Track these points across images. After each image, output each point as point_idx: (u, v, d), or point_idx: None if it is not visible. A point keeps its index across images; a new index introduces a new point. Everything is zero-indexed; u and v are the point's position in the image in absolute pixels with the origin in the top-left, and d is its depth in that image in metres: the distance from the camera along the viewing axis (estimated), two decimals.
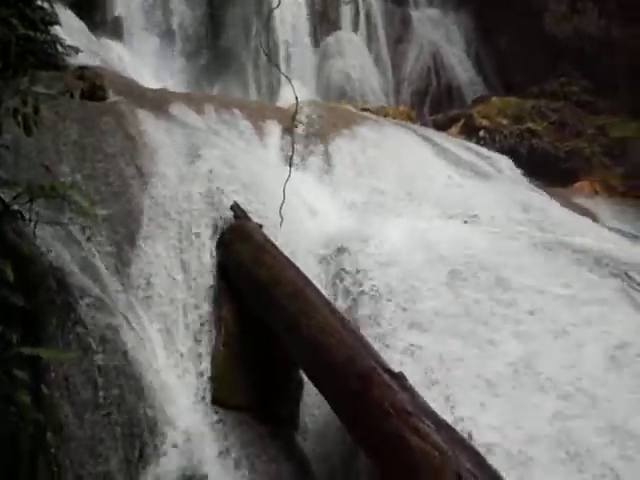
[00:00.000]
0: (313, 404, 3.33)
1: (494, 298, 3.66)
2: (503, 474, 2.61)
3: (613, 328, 3.50)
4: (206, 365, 3.38)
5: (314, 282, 3.53)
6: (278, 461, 3.06)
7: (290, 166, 4.20)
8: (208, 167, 4.41)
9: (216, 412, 3.20)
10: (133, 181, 4.18)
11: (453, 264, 3.92)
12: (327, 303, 3.36)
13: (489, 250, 4.07)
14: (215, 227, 3.97)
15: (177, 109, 5.43)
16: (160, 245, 3.87)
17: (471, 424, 3.02)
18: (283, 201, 3.89)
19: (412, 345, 3.42)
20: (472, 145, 7.46)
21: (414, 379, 3.05)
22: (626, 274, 4.00)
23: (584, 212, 6.56)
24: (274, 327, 3.41)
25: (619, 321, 3.62)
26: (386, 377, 2.88)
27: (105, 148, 4.28)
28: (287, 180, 3.95)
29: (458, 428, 2.80)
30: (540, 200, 5.94)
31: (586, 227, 5.48)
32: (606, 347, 3.39)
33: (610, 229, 5.66)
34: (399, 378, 2.90)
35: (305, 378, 3.32)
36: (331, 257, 4.08)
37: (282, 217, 3.88)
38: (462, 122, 8.66)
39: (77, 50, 5.99)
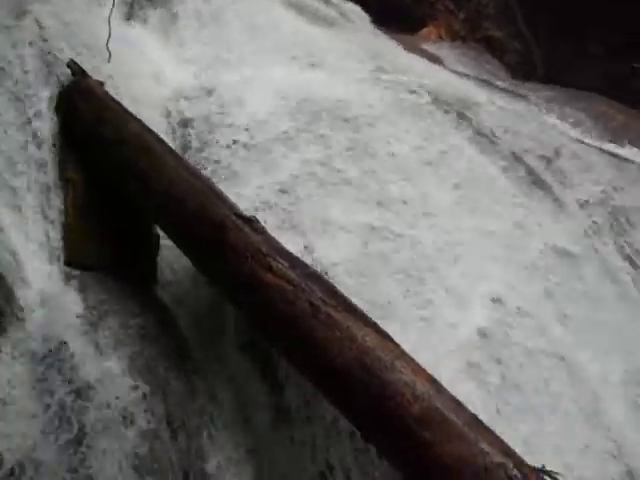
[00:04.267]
0: (171, 257, 3.38)
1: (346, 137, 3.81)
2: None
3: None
4: (57, 227, 3.31)
5: (161, 137, 3.49)
6: (139, 315, 3.11)
7: None
8: (39, 23, 4.11)
9: (71, 273, 3.17)
10: None
11: (302, 108, 3.97)
12: (176, 156, 3.34)
13: (339, 92, 4.15)
14: (53, 87, 3.76)
15: None
16: None
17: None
18: (109, 36, 3.80)
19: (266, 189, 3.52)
20: None
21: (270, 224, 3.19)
22: (463, 113, 4.26)
23: (430, 57, 6.73)
24: (125, 184, 3.38)
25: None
26: (239, 222, 2.97)
27: None
28: (112, 10, 3.85)
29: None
30: (387, 47, 6.02)
31: (431, 71, 5.65)
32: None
33: (452, 72, 5.87)
34: (252, 222, 2.99)
35: (161, 232, 3.35)
36: (177, 111, 4.00)
37: (109, 51, 3.82)
38: None
39: None
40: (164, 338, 3.09)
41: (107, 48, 3.95)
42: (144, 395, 2.78)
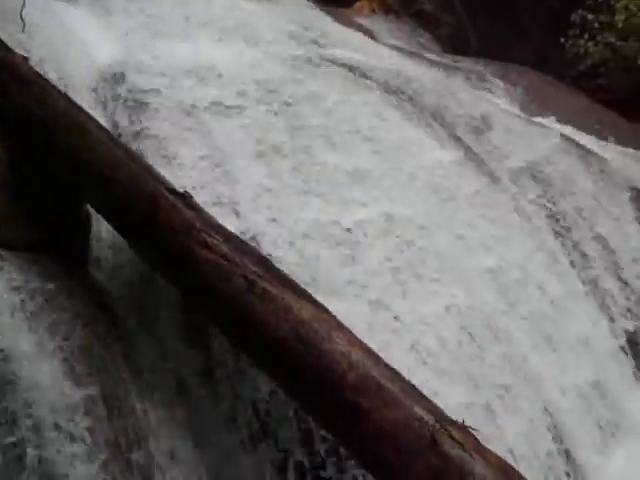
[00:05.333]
0: (104, 235, 3.32)
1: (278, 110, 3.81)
2: None
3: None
4: None
5: (92, 114, 3.41)
6: (74, 296, 3.04)
7: None
8: None
9: (2, 255, 3.09)
10: None
11: (239, 84, 3.94)
12: (105, 132, 3.26)
13: (271, 67, 4.14)
14: None
15: None
16: None
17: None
18: (23, 5, 3.69)
19: (200, 158, 3.49)
20: None
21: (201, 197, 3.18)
22: (396, 86, 4.30)
23: (363, 31, 6.76)
24: (53, 162, 3.29)
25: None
26: (172, 198, 2.94)
27: None
28: None
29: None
30: (321, 20, 6.02)
31: (364, 44, 5.69)
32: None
33: (385, 45, 5.91)
34: (185, 197, 2.96)
35: (93, 210, 3.29)
36: (107, 88, 3.91)
37: (24, 21, 3.71)
38: None
39: None
40: (98, 318, 3.04)
41: (21, 17, 3.82)
42: (79, 376, 2.74)
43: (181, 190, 2.99)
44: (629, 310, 4.60)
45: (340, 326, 2.76)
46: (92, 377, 2.81)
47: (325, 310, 2.80)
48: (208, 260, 2.79)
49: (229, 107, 3.84)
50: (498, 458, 2.51)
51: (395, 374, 2.65)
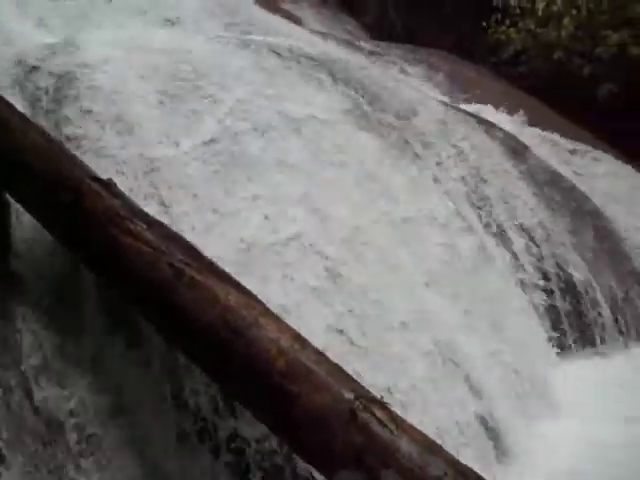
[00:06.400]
0: (25, 225, 3.23)
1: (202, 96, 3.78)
2: None
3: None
4: None
5: (8, 100, 3.29)
6: None
7: None
8: None
9: None
10: None
11: (165, 69, 3.89)
12: (25, 119, 3.17)
13: (200, 51, 4.10)
14: None
15: None
16: None
17: None
18: None
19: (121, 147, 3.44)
20: None
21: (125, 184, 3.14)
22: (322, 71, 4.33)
23: (289, 17, 6.77)
24: None
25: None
26: (95, 185, 2.89)
27: None
28: None
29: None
30: (246, 5, 5.99)
31: (290, 30, 5.70)
32: None
33: (312, 31, 5.93)
34: (108, 185, 2.92)
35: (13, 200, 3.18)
36: (26, 73, 3.78)
37: None
38: None
39: None
40: (21, 309, 2.97)
41: None
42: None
43: (104, 178, 2.94)
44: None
45: (268, 312, 2.77)
46: (11, 370, 2.76)
47: (253, 297, 2.81)
48: (131, 247, 2.76)
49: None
50: (423, 435, 2.58)
51: (322, 357, 2.68)
